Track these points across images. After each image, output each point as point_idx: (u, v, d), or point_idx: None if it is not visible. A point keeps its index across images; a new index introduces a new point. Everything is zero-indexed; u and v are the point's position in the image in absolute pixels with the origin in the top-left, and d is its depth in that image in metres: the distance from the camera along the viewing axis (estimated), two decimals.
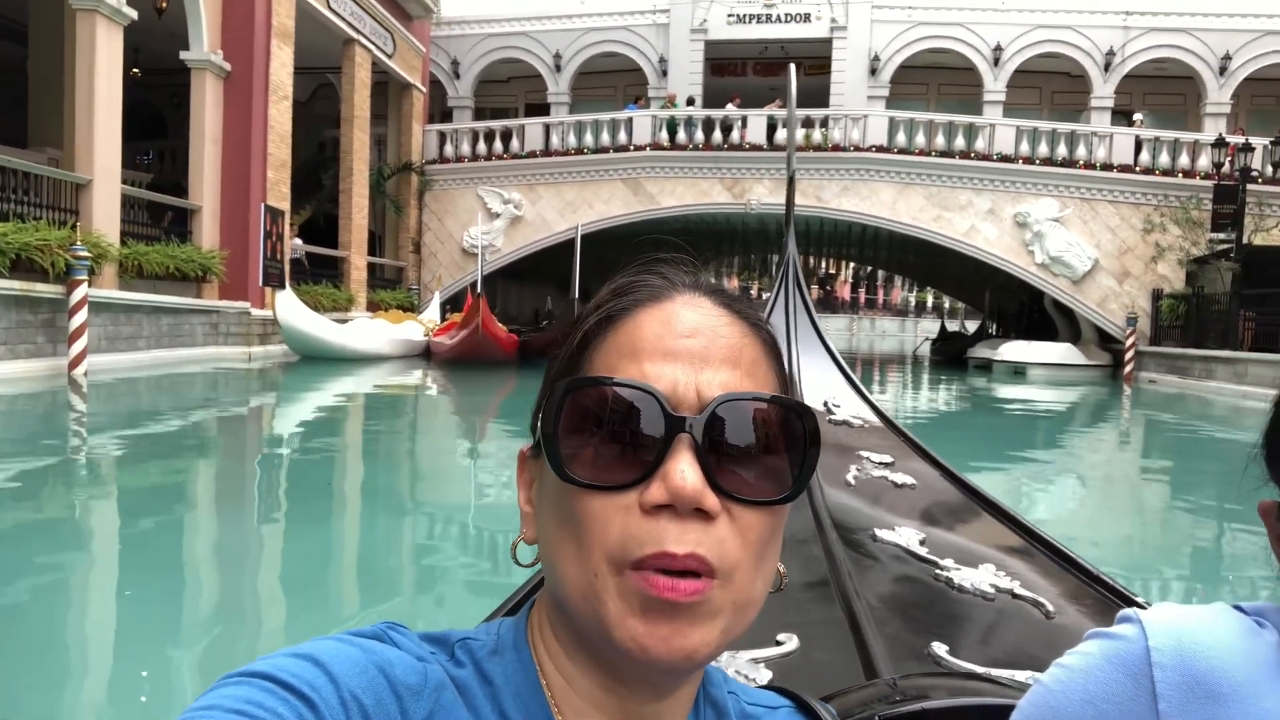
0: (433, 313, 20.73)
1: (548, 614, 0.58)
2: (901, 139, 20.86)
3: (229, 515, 5.46)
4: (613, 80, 25.79)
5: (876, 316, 64.75)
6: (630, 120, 21.76)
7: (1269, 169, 19.15)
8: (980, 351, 22.86)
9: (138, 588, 3.92)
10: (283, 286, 14.38)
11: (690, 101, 22.78)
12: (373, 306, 20.33)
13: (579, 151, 21.92)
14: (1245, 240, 17.80)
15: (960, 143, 20.69)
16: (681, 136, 21.44)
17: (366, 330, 16.89)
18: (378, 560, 4.68)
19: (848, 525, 1.55)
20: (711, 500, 0.50)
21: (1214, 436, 11.58)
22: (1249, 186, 17.90)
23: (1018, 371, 20.56)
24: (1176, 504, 7.07)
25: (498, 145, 22.48)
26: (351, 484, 6.90)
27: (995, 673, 1.04)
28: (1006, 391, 17.66)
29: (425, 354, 17.96)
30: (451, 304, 21.60)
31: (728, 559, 0.51)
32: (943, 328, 33.56)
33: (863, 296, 67.81)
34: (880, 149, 20.80)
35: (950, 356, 27.49)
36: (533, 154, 22.17)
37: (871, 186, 20.95)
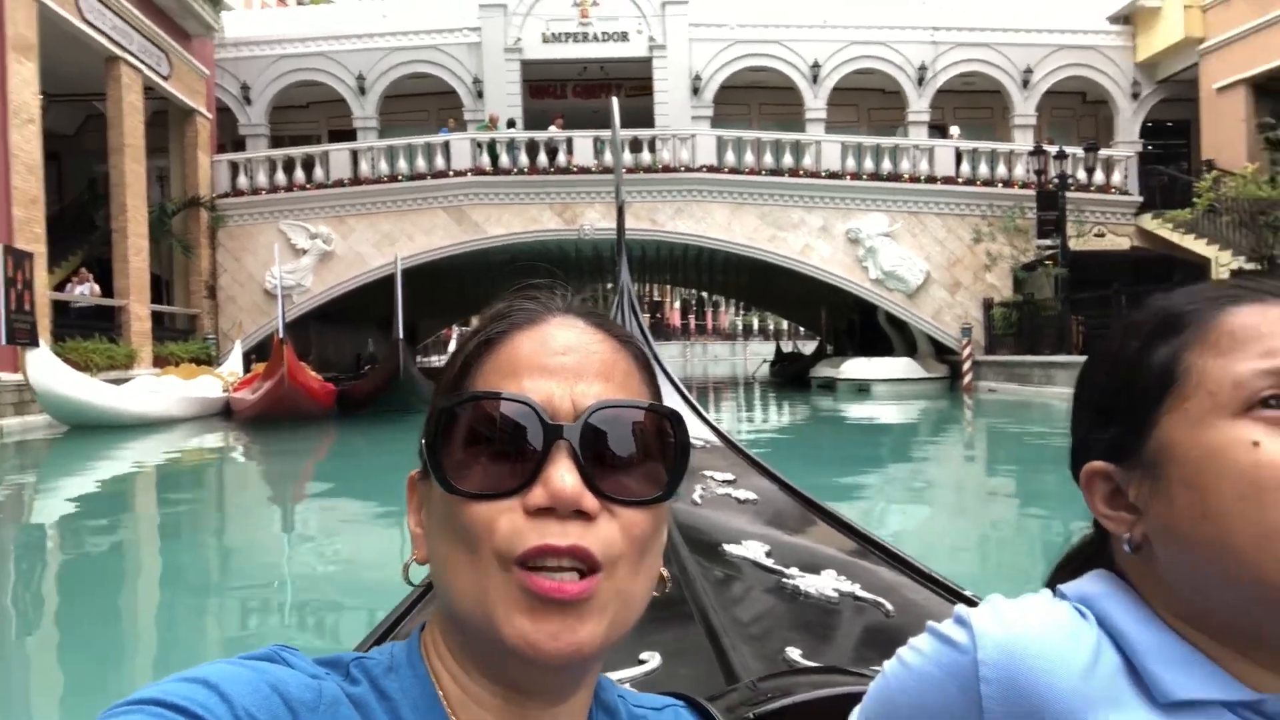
0: (235, 364, 18.26)
1: (441, 631, 0.59)
2: (731, 158, 20.33)
3: None
4: (425, 104, 24.08)
5: (707, 342, 65.25)
6: (448, 144, 20.17)
7: (1081, 175, 19.85)
8: (823, 371, 22.61)
9: None
10: (35, 344, 11.87)
11: (511, 124, 21.45)
12: (161, 361, 17.66)
13: (393, 179, 20.10)
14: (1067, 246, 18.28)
15: (789, 160, 20.38)
16: (505, 160, 20.06)
17: (149, 390, 14.40)
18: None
19: (698, 542, 1.57)
20: (590, 501, 0.53)
21: (1058, 442, 11.41)
22: (1067, 194, 18.40)
23: (862, 389, 20.34)
24: (1023, 509, 7.06)
25: (299, 175, 20.32)
26: (131, 587, 5.09)
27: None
28: (854, 409, 17.48)
29: (226, 412, 15.60)
30: (257, 353, 19.18)
31: (612, 552, 0.54)
32: (778, 349, 33.61)
33: (692, 322, 68.29)
34: (711, 169, 20.19)
35: (790, 377, 27.29)
36: (340, 183, 20.16)
37: (705, 207, 20.28)
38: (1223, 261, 17.20)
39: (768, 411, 18.55)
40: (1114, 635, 0.61)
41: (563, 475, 0.53)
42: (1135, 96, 22.12)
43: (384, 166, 20.23)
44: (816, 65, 22.36)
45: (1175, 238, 18.93)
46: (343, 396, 15.29)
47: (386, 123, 23.21)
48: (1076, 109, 23.99)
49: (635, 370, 0.60)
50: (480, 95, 22.49)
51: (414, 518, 0.62)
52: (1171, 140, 22.97)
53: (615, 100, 3.85)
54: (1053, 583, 0.70)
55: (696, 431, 2.35)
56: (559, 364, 0.57)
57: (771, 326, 66.24)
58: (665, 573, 0.61)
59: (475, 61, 22.62)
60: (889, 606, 1.32)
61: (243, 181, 20.45)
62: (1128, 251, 20.29)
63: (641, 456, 0.57)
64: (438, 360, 35.94)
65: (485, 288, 26.10)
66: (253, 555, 6.09)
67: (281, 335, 13.12)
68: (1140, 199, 20.37)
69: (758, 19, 22.63)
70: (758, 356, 44.75)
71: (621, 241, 3.25)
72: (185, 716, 0.46)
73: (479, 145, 20.20)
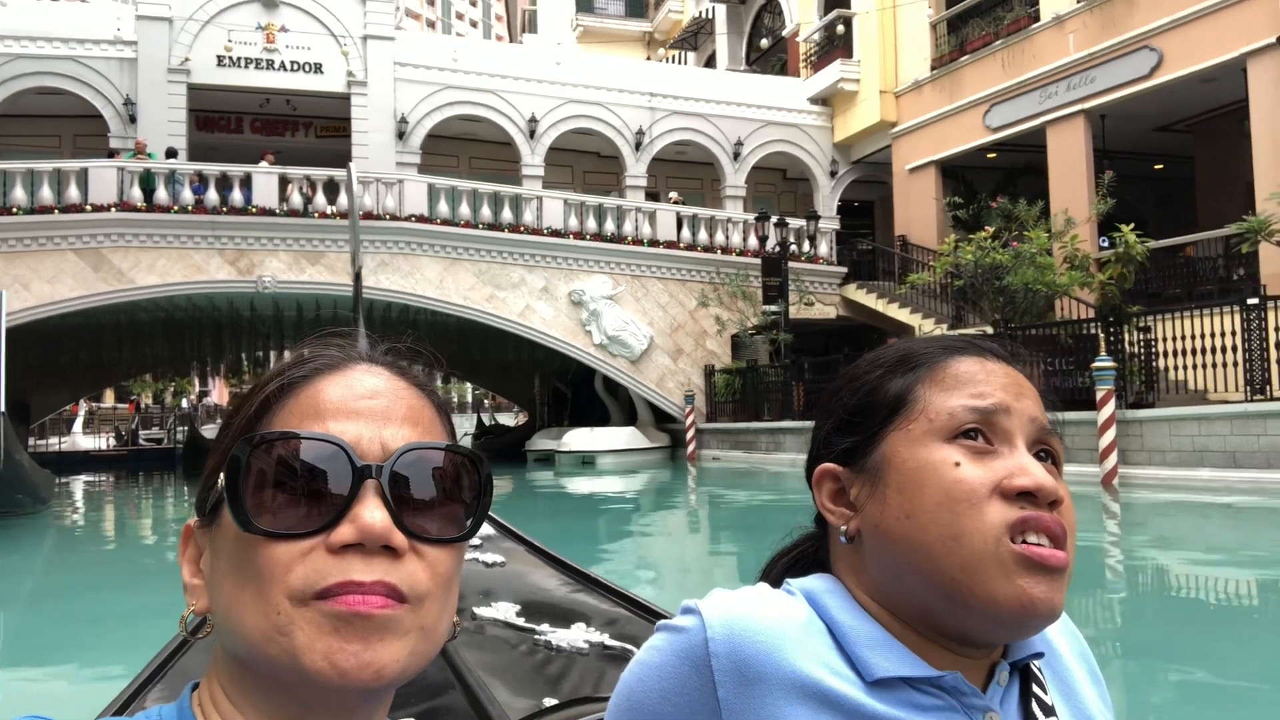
0: None
1: (222, 681, 0.57)
2: (444, 209, 18.26)
3: None
4: (57, 127, 19.61)
5: None
6: (85, 171, 16.19)
7: (803, 246, 20.03)
8: (541, 443, 20.82)
9: None
10: None
11: (172, 154, 17.80)
12: None
13: (6, 211, 15.71)
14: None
15: (508, 216, 18.70)
16: (163, 196, 16.44)
17: None
18: None
19: None
20: (399, 538, 0.54)
21: (787, 507, 10.70)
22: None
23: (586, 461, 18.82)
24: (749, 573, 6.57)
25: None
26: None
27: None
28: (579, 483, 16.17)
29: None
30: None
31: (418, 588, 0.55)
32: (480, 421, 31.53)
33: None
34: (421, 219, 17.95)
35: (496, 451, 25.29)
36: None
37: (414, 261, 17.94)
38: (926, 329, 17.84)
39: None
40: (829, 624, 0.71)
41: (372, 512, 0.53)
42: (833, 174, 23.07)
43: None
44: (534, 120, 21.03)
45: (880, 307, 19.55)
46: None
47: (2, 146, 18.49)
48: (778, 184, 24.70)
49: (438, 418, 0.62)
50: (133, 120, 18.58)
51: (189, 568, 0.60)
52: (857, 219, 24.26)
53: (352, 167, 3.29)
54: (765, 575, 0.83)
55: None
56: (366, 407, 0.57)
57: (455, 399, 63.94)
58: (456, 619, 0.61)
59: (129, 80, 18.72)
60: (635, 652, 1.28)
61: None
62: (834, 320, 20.79)
63: (445, 498, 0.58)
64: (59, 443, 29.54)
65: (131, 351, 21.57)
66: None
67: None
68: (845, 270, 21.00)
69: (472, 65, 20.94)
70: (465, 430, 42.31)
71: (358, 306, 3.18)
72: None
73: (130, 175, 16.43)
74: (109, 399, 43.79)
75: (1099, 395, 10.71)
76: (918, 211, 20.50)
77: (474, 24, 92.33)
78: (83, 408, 36.05)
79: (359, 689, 0.52)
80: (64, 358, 19.66)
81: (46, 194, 16.00)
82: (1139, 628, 5.21)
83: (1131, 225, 13.44)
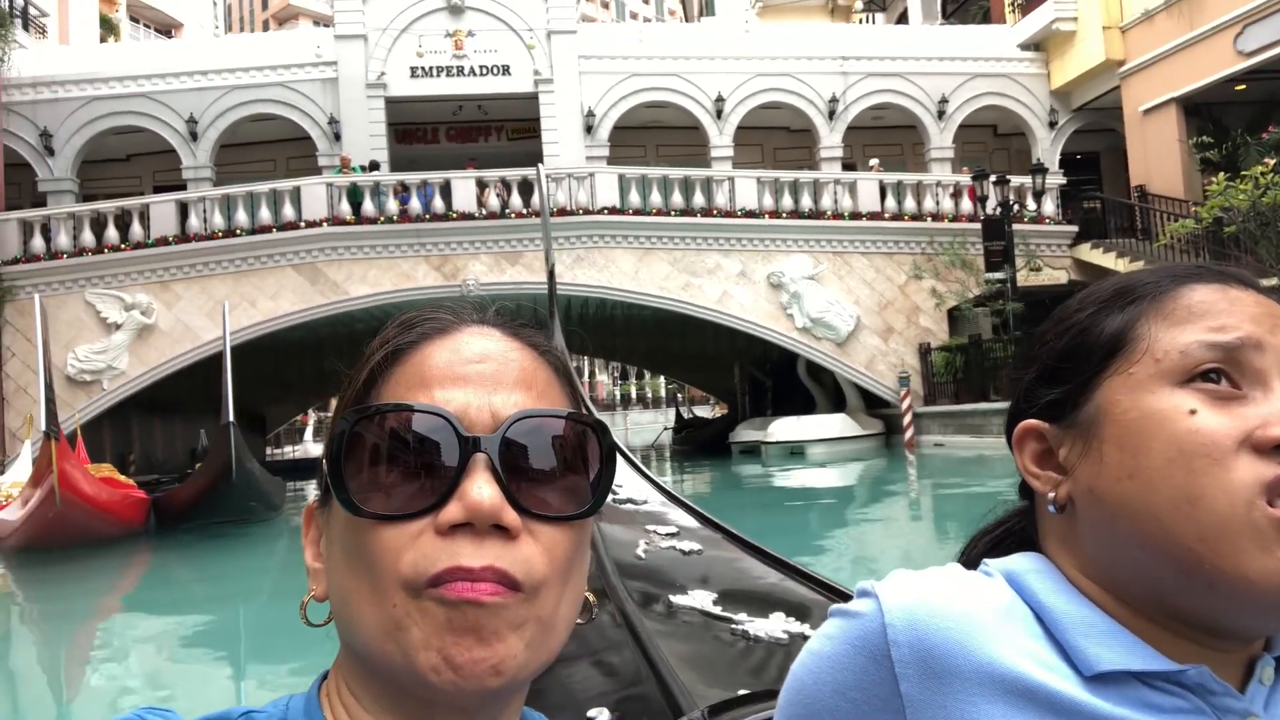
0: (23, 472, 14.21)
1: (344, 673, 0.54)
2: (635, 199, 17.82)
3: None
4: (271, 152, 20.71)
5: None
6: (298, 190, 16.89)
7: (1027, 205, 18.24)
8: (745, 434, 20.04)
9: None
10: None
11: (374, 166, 18.34)
12: None
13: (230, 234, 16.63)
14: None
15: (700, 200, 18.03)
16: (369, 207, 16.91)
17: None
18: None
19: (645, 595, 1.55)
20: (511, 516, 0.49)
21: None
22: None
23: (795, 452, 17.88)
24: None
25: (112, 233, 16.60)
26: None
27: None
28: (790, 476, 15.34)
29: None
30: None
31: (534, 575, 0.50)
32: (678, 414, 31.22)
33: None
34: (613, 210, 17.60)
35: (699, 444, 24.78)
36: (164, 240, 16.53)
37: (608, 255, 17.61)
38: None
39: (694, 484, 15.87)
40: (1036, 608, 0.60)
41: (480, 488, 0.48)
42: (1052, 125, 20.91)
43: (219, 220, 16.74)
44: (721, 99, 20.26)
45: (1120, 266, 17.40)
46: (160, 506, 11.60)
47: (225, 175, 19.70)
48: (989, 142, 22.71)
49: (556, 380, 0.57)
50: (338, 138, 19.31)
51: (311, 550, 0.58)
52: (1082, 173, 21.87)
53: (541, 168, 3.71)
54: (963, 557, 0.72)
55: (637, 489, 2.29)
56: (475, 373, 0.53)
57: (650, 394, 64.28)
58: (591, 597, 0.57)
59: (331, 100, 19.49)
60: None
61: (37, 244, 16.53)
62: (1065, 285, 18.75)
63: (564, 470, 0.52)
64: (293, 452, 31.64)
65: (349, 361, 22.44)
66: None
67: (45, 428, 9.30)
68: (1075, 229, 18.93)
69: (656, 48, 20.43)
70: (643, 426, 42.42)
71: (553, 302, 3.12)
72: None
73: (337, 190, 17.01)
74: (334, 408, 46.95)
75: None
76: (1157, 157, 18.14)
77: (647, 21, 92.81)
78: (312, 417, 38.70)
79: (476, 690, 0.48)
80: (291, 370, 20.78)
81: (265, 214, 16.83)
82: None
83: None
